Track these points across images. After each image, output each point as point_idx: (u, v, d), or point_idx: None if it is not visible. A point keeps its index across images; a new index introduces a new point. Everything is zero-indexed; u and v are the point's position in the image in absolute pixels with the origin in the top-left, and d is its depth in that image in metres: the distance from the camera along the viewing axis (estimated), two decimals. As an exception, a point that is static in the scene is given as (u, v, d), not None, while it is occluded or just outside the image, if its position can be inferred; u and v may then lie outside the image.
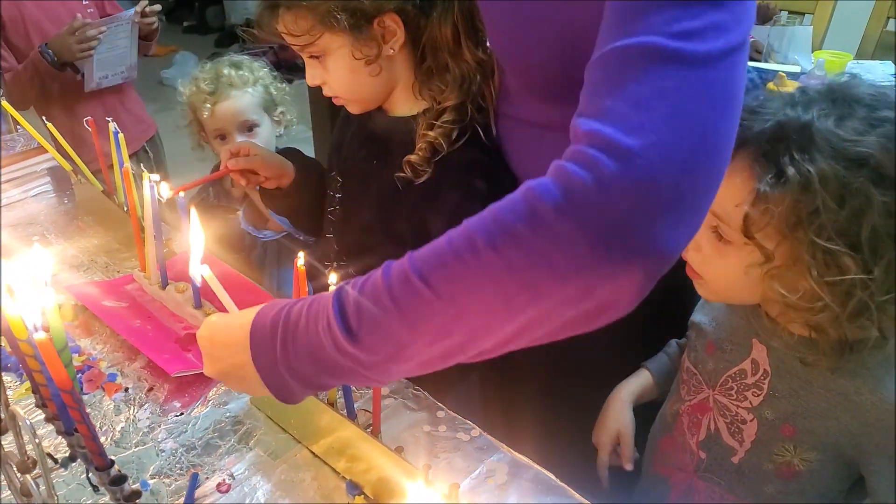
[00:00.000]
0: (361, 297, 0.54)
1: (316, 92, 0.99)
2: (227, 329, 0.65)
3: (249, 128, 1.35)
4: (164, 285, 0.99)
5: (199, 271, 0.73)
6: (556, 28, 0.73)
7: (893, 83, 1.78)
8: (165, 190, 0.92)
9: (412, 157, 0.92)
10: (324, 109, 1.04)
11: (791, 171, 0.64)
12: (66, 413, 0.55)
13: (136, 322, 0.95)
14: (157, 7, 1.81)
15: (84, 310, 0.97)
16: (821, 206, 0.64)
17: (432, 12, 0.89)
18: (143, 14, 1.77)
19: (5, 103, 1.17)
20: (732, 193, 0.69)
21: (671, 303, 0.86)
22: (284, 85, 1.43)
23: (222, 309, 0.95)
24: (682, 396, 0.89)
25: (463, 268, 0.49)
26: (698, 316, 0.88)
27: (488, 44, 0.92)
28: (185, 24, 5.29)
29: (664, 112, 0.46)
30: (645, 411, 0.96)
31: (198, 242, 0.77)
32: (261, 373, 0.61)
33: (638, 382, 0.96)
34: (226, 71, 1.35)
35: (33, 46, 1.67)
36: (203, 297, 0.96)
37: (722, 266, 0.74)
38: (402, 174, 0.93)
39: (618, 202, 0.45)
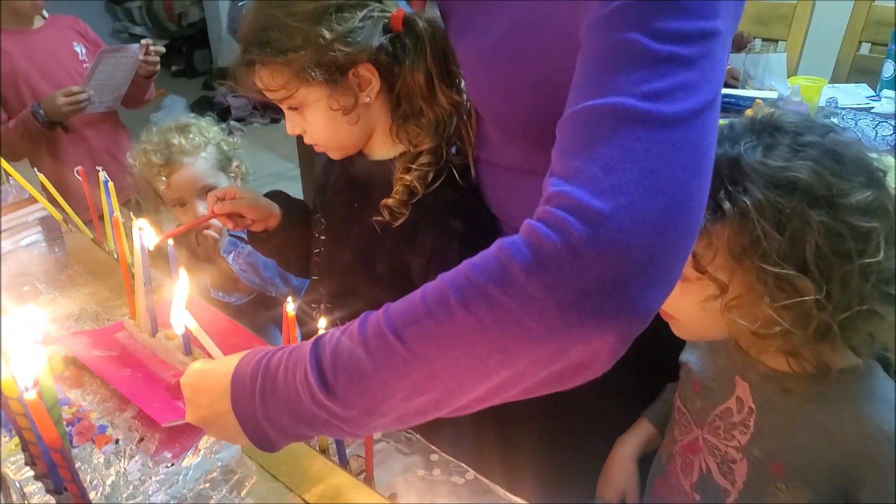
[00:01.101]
0: (338, 350, 0.55)
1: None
2: (210, 376, 0.66)
3: (208, 191, 1.34)
4: (153, 333, 0.99)
5: (183, 321, 0.73)
6: (532, 80, 0.73)
7: (870, 105, 1.82)
8: (152, 237, 0.93)
9: (389, 201, 0.94)
10: (310, 147, 1.06)
11: (727, 204, 0.66)
12: (56, 471, 0.55)
13: (126, 371, 0.95)
14: (161, 49, 1.84)
15: (74, 360, 0.97)
16: (760, 234, 0.65)
17: (405, 59, 0.90)
18: (147, 52, 1.79)
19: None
20: None
21: (665, 341, 0.86)
22: (235, 138, 1.44)
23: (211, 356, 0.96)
24: (674, 437, 0.89)
25: (435, 326, 0.50)
26: (686, 355, 0.89)
27: (464, 87, 0.94)
28: (174, 68, 5.34)
29: (634, 174, 0.46)
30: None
31: (181, 291, 0.77)
32: (241, 422, 0.61)
33: (640, 436, 0.95)
34: (175, 140, 1.34)
35: (24, 101, 1.70)
36: (193, 344, 0.97)
37: (685, 303, 0.74)
38: (379, 218, 0.95)
39: (588, 266, 0.45)
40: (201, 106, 4.30)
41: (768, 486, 0.77)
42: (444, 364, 0.50)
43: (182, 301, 0.75)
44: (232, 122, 4.22)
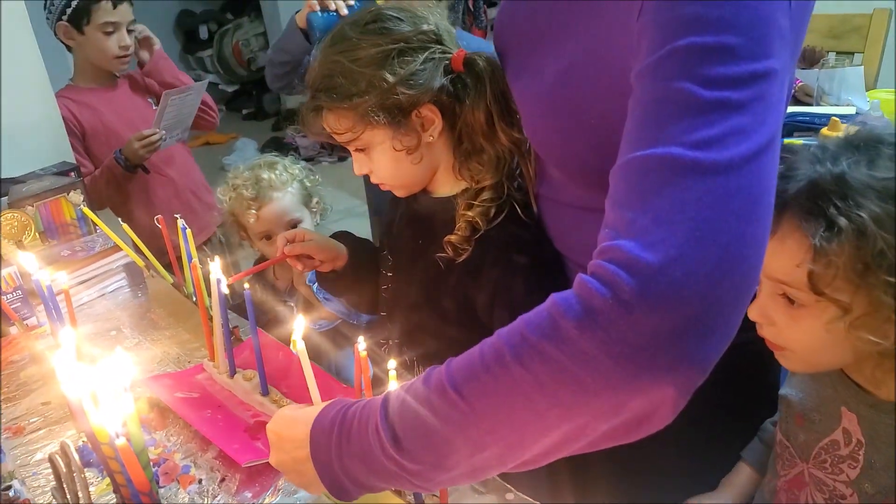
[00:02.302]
0: (405, 405, 0.56)
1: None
2: (294, 424, 0.68)
3: (294, 225, 1.40)
4: (231, 374, 1.02)
5: (299, 347, 0.76)
6: (589, 123, 0.73)
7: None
8: (224, 281, 0.96)
9: (452, 238, 0.94)
10: (377, 185, 1.10)
11: (842, 220, 0.64)
12: (145, 514, 0.57)
13: (206, 412, 0.98)
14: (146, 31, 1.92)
15: (158, 402, 1.01)
16: (884, 247, 0.62)
17: (466, 98, 0.92)
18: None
19: (85, 209, 1.26)
20: (790, 256, 0.68)
21: (747, 379, 0.85)
22: (317, 177, 1.49)
23: (289, 395, 0.98)
24: (777, 471, 0.85)
25: (493, 382, 0.50)
26: (786, 389, 0.85)
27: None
28: (244, 111, 5.58)
29: (685, 225, 0.46)
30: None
31: (300, 323, 0.79)
32: (318, 470, 0.63)
33: (742, 480, 0.92)
34: (265, 175, 1.40)
35: (111, 151, 1.80)
36: (270, 384, 0.99)
37: (801, 331, 0.71)
38: (443, 254, 0.96)
39: (639, 321, 0.45)
40: (271, 147, 4.46)
41: None
42: (503, 419, 0.50)
43: (301, 330, 0.76)
44: (301, 162, 4.35)
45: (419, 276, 1.03)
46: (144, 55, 1.90)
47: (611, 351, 0.45)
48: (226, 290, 0.96)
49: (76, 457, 0.68)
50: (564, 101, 0.75)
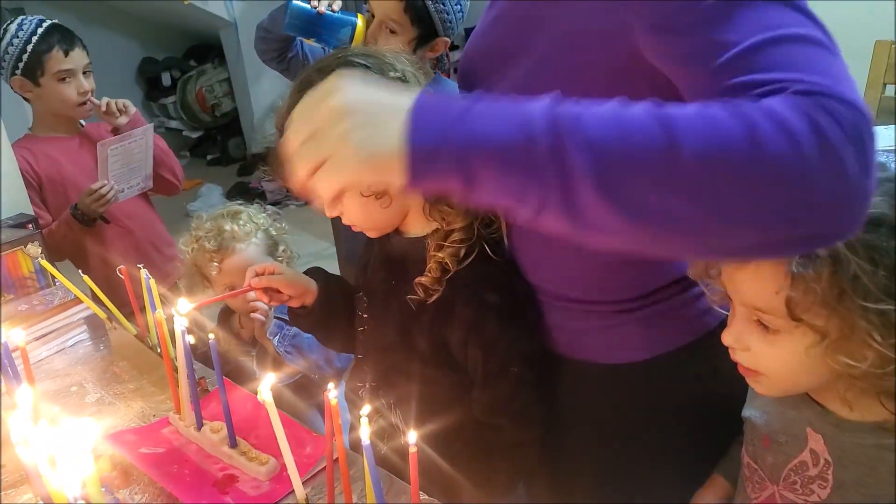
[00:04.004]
0: (593, 108, 0.55)
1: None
2: (372, 90, 0.58)
3: None
4: (198, 427, 0.99)
5: (265, 398, 0.73)
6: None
7: (900, 148, 1.79)
8: (185, 305, 0.93)
9: (422, 279, 0.95)
10: (346, 226, 1.08)
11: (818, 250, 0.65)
12: (107, 581, 0.55)
13: (173, 467, 0.95)
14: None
15: (122, 459, 0.97)
16: (858, 271, 0.64)
17: None
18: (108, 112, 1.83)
19: (43, 261, 1.23)
20: (767, 284, 0.69)
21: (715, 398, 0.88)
22: (283, 225, 1.48)
23: (258, 446, 0.95)
24: (748, 494, 0.86)
25: (717, 138, 0.52)
26: (748, 411, 0.86)
27: None
28: (209, 157, 5.56)
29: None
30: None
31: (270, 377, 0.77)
32: (415, 115, 0.53)
33: (717, 491, 0.94)
34: (227, 226, 1.37)
35: (69, 202, 1.77)
36: (238, 436, 0.97)
37: (775, 357, 0.73)
38: (414, 296, 0.95)
39: (857, 150, 0.53)
40: (237, 192, 4.44)
41: None
42: (708, 178, 0.51)
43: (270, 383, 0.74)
44: (268, 207, 4.32)
45: (393, 316, 1.02)
46: (122, 120, 1.85)
47: (834, 167, 0.51)
48: (191, 341, 0.94)
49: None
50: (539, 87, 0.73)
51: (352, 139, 0.54)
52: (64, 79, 1.76)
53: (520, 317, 0.96)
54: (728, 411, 0.89)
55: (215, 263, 1.36)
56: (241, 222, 1.39)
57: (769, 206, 0.52)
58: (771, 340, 0.72)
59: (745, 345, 0.74)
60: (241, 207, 1.45)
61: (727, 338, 0.76)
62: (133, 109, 1.87)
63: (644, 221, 0.53)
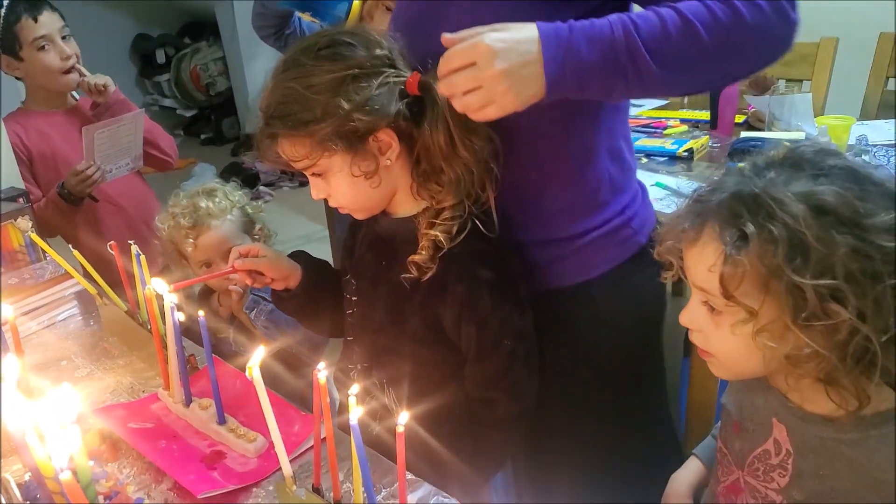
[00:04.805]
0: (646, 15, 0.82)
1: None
2: (521, 26, 0.81)
3: None
4: (187, 403, 0.99)
5: (254, 374, 0.73)
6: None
7: (898, 141, 1.79)
8: (164, 286, 0.93)
9: (416, 257, 0.94)
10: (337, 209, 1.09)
11: (751, 228, 0.68)
12: (92, 552, 0.55)
13: (161, 443, 0.95)
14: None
15: (111, 434, 0.97)
16: (786, 255, 0.66)
17: (423, 121, 0.92)
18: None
19: (33, 235, 1.22)
20: (707, 263, 0.72)
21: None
22: (261, 202, 1.47)
23: (247, 423, 0.95)
24: (718, 477, 0.89)
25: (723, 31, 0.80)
26: (725, 398, 0.89)
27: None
28: (203, 136, 5.52)
29: None
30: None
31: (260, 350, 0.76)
32: (546, 56, 0.79)
33: (691, 473, 0.98)
34: (203, 203, 1.38)
35: (60, 177, 1.75)
36: (227, 413, 0.97)
37: (720, 338, 0.75)
38: (407, 275, 0.95)
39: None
40: (231, 172, 4.40)
41: None
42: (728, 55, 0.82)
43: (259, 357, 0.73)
44: (261, 188, 4.31)
45: (384, 297, 1.02)
46: (101, 100, 1.83)
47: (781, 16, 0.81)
48: (181, 318, 0.94)
49: (17, 493, 0.65)
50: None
51: (513, 93, 0.81)
52: (42, 47, 1.73)
53: (513, 292, 0.97)
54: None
55: (190, 240, 1.36)
56: (216, 199, 1.39)
57: (750, 53, 0.83)
58: (715, 321, 0.75)
59: (698, 325, 0.78)
60: (217, 185, 1.45)
61: (683, 318, 0.79)
62: (112, 89, 1.83)
63: (681, 78, 0.84)
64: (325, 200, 0.99)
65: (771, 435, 0.80)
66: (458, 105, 0.84)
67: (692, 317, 0.78)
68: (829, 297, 0.65)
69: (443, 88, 0.84)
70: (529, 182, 1.00)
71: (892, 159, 1.67)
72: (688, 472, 0.99)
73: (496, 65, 0.78)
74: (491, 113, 0.82)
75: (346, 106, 0.87)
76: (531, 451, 1.10)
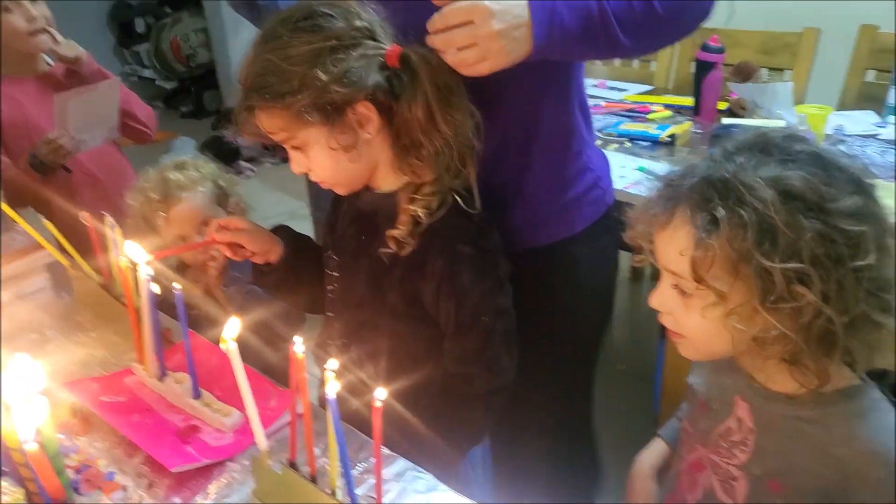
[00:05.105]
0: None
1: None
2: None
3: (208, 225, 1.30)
4: (162, 377, 0.98)
5: (230, 347, 0.72)
6: None
7: (876, 132, 1.81)
8: (144, 255, 0.92)
9: (394, 232, 0.94)
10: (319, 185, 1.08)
11: (722, 212, 0.69)
12: (60, 523, 0.54)
13: (134, 417, 0.94)
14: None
15: (82, 408, 0.96)
16: (756, 240, 0.67)
17: (402, 94, 0.91)
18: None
19: (3, 205, 1.19)
20: (678, 247, 0.73)
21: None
22: (233, 175, 1.45)
23: (223, 398, 0.95)
24: (682, 455, 0.91)
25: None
26: (691, 377, 0.91)
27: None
28: (183, 109, 5.42)
29: None
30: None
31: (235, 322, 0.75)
32: (535, 18, 0.84)
33: (656, 454, 1.01)
34: (172, 175, 1.35)
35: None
36: (202, 387, 0.96)
37: (690, 320, 0.76)
38: (387, 250, 0.95)
39: None
40: (211, 147, 4.34)
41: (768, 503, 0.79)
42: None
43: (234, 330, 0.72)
44: (243, 163, 4.26)
45: (364, 273, 1.02)
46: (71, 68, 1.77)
47: None
48: (156, 290, 0.93)
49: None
50: None
51: (505, 51, 0.85)
52: (8, 8, 1.66)
53: (492, 269, 0.97)
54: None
55: (162, 213, 1.33)
56: (186, 171, 1.36)
57: (688, 22, 0.96)
58: (686, 304, 0.76)
59: (668, 308, 0.79)
60: (188, 159, 1.42)
61: (653, 301, 0.80)
62: (84, 62, 1.77)
63: (640, 45, 0.97)
64: (307, 176, 0.98)
65: (734, 413, 0.82)
66: (452, 59, 0.86)
67: (662, 300, 0.79)
68: (795, 280, 0.67)
69: (438, 43, 0.86)
70: (515, 146, 1.05)
71: (867, 149, 1.69)
72: (651, 454, 1.01)
73: (493, 25, 0.82)
74: (483, 69, 0.86)
75: (323, 78, 0.86)
76: (508, 427, 1.11)
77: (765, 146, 0.73)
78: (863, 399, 0.74)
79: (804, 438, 0.75)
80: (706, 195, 0.71)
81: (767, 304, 0.68)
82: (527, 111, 1.04)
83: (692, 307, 0.75)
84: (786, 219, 0.66)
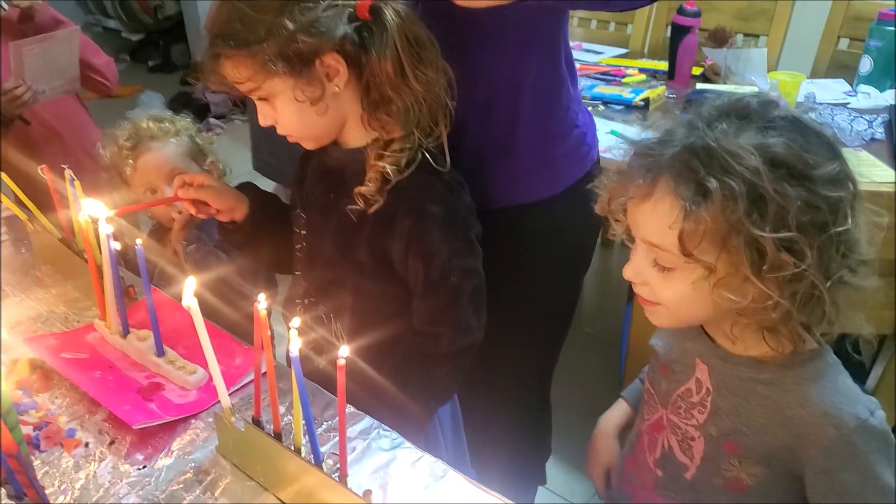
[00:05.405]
0: None
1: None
2: None
3: None
4: (125, 334, 0.97)
5: (191, 304, 0.70)
6: None
7: (846, 101, 1.83)
8: (106, 211, 0.90)
9: (362, 189, 0.93)
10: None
11: (714, 183, 0.67)
12: (14, 477, 0.53)
13: (96, 373, 0.93)
14: None
15: (42, 364, 0.94)
16: (746, 210, 0.66)
17: (372, 48, 0.89)
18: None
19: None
20: (662, 219, 0.72)
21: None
22: (210, 135, 1.42)
23: (187, 356, 0.94)
24: (643, 416, 0.93)
25: None
26: (654, 340, 0.92)
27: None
28: (150, 63, 5.26)
29: None
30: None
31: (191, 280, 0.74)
32: None
33: (619, 414, 1.03)
34: (145, 124, 1.31)
35: None
36: (166, 344, 0.95)
37: (671, 290, 0.76)
38: (354, 206, 0.94)
39: None
40: (179, 102, 4.23)
41: (723, 462, 0.81)
42: None
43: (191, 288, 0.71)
44: (212, 120, 4.17)
45: (332, 230, 1.01)
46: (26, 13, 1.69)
47: None
48: (117, 246, 0.91)
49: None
50: None
51: None
52: None
53: (462, 229, 0.97)
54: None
55: (130, 161, 1.29)
56: (161, 123, 1.33)
57: None
58: (665, 277, 0.75)
59: (643, 279, 0.78)
60: (168, 113, 1.39)
61: (627, 272, 0.79)
62: (38, 5, 1.70)
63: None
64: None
65: (694, 374, 0.83)
66: None
67: (637, 270, 0.78)
68: (783, 249, 0.66)
69: None
70: (502, 101, 1.04)
71: (836, 117, 1.71)
72: (614, 414, 1.03)
73: None
74: (480, 2, 0.81)
75: (290, 26, 0.84)
76: (478, 386, 1.12)
77: (742, 112, 0.72)
78: (819, 363, 0.76)
79: (760, 399, 0.77)
80: (690, 164, 0.69)
81: (759, 274, 0.68)
82: (514, 66, 1.03)
83: (673, 278, 0.74)
84: (774, 186, 0.66)
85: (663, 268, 0.75)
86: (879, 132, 1.61)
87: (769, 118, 0.70)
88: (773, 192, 0.66)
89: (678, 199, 0.69)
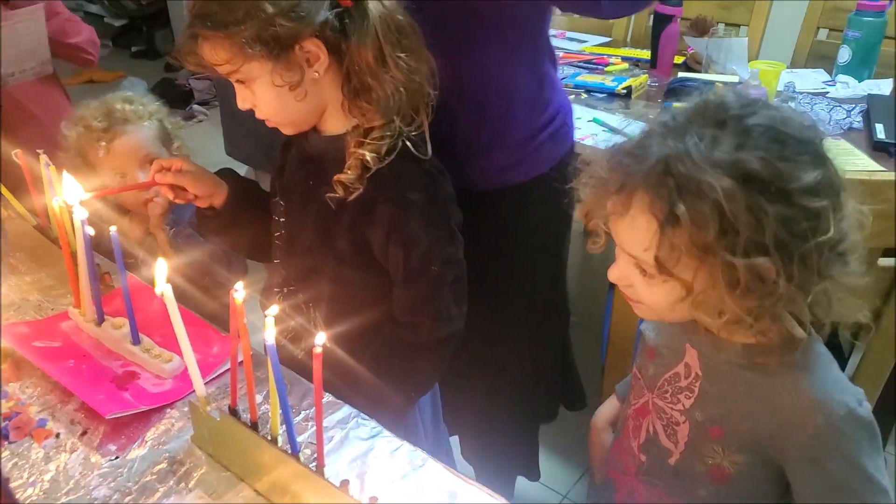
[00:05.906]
0: None
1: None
2: None
3: (151, 163, 1.16)
4: (99, 322, 0.96)
5: (164, 291, 0.69)
6: None
7: (825, 90, 1.83)
8: (82, 193, 0.88)
9: (341, 176, 0.92)
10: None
11: (681, 207, 0.66)
12: (-21, 469, 0.52)
13: (69, 362, 0.91)
14: None
15: (13, 352, 0.93)
16: (723, 228, 0.65)
17: (353, 35, 0.88)
18: None
19: (-73, 142, 1.12)
20: (639, 239, 0.71)
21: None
22: (178, 119, 1.40)
23: (164, 344, 0.93)
24: (630, 401, 0.93)
25: None
26: (643, 324, 0.92)
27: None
28: (134, 49, 5.19)
29: None
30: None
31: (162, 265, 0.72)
32: None
33: (611, 408, 1.05)
34: (118, 106, 1.28)
35: None
36: (142, 332, 0.94)
37: (656, 296, 0.75)
38: (334, 194, 0.93)
39: None
40: (163, 89, 4.17)
41: (706, 448, 0.80)
42: None
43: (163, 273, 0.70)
44: (195, 106, 4.12)
45: (312, 218, 1.00)
46: None
47: None
48: (91, 232, 0.89)
49: None
50: None
51: None
52: None
53: (443, 218, 0.96)
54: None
55: (103, 143, 1.26)
56: (134, 105, 1.30)
57: None
58: (648, 282, 0.74)
59: (628, 282, 0.77)
60: (138, 95, 1.36)
61: (612, 274, 0.78)
62: None
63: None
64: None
65: (683, 359, 0.83)
66: None
67: (622, 275, 0.77)
68: (762, 264, 0.66)
69: None
70: (494, 88, 1.10)
71: (815, 107, 1.72)
72: (607, 407, 1.05)
73: None
74: None
75: (269, 10, 0.83)
76: (457, 375, 1.12)
77: (719, 116, 0.69)
78: (808, 352, 0.75)
79: (748, 386, 0.77)
80: (664, 181, 0.67)
81: (734, 294, 0.67)
82: (502, 66, 1.08)
83: (655, 285, 0.74)
84: (747, 203, 0.64)
85: (645, 273, 0.74)
86: (857, 121, 1.62)
87: (747, 127, 0.67)
88: (746, 212, 0.64)
89: (653, 217, 0.68)
